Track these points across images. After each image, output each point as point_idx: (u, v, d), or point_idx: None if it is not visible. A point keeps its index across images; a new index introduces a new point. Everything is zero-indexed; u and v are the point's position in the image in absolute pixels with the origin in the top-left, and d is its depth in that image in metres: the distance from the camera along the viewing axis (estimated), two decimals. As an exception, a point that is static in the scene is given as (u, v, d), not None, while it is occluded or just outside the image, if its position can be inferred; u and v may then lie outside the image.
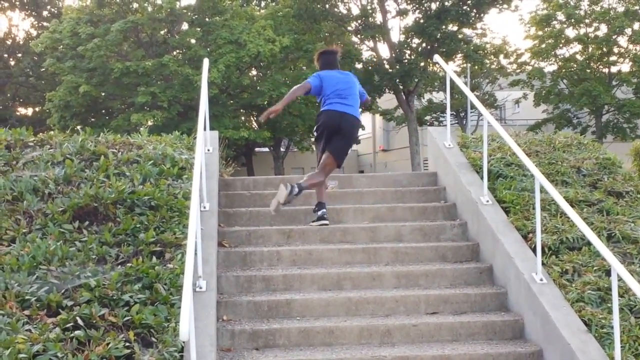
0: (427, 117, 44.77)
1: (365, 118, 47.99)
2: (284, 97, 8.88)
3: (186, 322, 4.92)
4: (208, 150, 9.54)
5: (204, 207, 8.15)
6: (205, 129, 8.87)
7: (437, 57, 10.53)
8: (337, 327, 6.96)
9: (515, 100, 44.67)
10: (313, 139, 9.73)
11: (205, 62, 9.96)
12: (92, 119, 37.53)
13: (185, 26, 37.30)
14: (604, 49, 40.67)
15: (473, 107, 42.51)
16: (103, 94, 36.85)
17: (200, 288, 6.83)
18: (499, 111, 49.17)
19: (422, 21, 34.52)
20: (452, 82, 9.74)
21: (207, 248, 7.43)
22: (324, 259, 8.12)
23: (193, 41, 36.33)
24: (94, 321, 6.04)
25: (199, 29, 36.22)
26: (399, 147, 49.02)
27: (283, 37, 34.31)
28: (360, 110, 9.27)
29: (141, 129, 10.58)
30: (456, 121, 44.88)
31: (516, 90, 43.66)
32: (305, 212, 8.96)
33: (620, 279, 5.95)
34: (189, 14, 36.70)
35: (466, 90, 9.42)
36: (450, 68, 35.17)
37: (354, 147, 49.07)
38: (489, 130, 8.81)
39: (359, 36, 37.59)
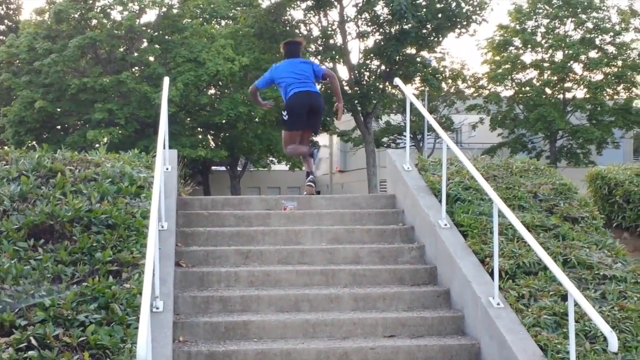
0: (385, 139, 44.98)
1: (323, 139, 48.10)
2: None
3: (144, 344, 4.85)
4: (167, 168, 9.48)
5: (162, 227, 8.08)
6: (164, 147, 8.82)
7: (397, 80, 10.60)
8: (295, 349, 6.92)
9: (471, 124, 45.08)
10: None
11: (166, 81, 9.92)
12: (47, 135, 37.15)
13: (144, 43, 37.14)
14: (560, 75, 41.29)
15: (430, 129, 42.88)
16: (59, 109, 36.52)
17: (157, 308, 6.75)
18: (456, 134, 49.57)
19: (381, 43, 34.71)
20: (410, 104, 9.80)
21: (165, 268, 7.36)
22: (281, 280, 8.09)
23: (152, 59, 36.20)
24: (48, 341, 5.93)
25: (158, 47, 36.10)
26: (356, 169, 49.13)
27: (243, 56, 34.31)
28: (319, 86, 10.79)
29: (98, 146, 10.49)
30: (413, 143, 45.14)
31: (473, 114, 44.08)
32: (263, 232, 8.93)
33: (576, 304, 6.00)
34: (149, 31, 36.59)
35: (426, 113, 9.48)
36: (409, 91, 35.40)
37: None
38: (448, 153, 8.86)
39: (319, 57, 37.68)
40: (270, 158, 42.24)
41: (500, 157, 10.83)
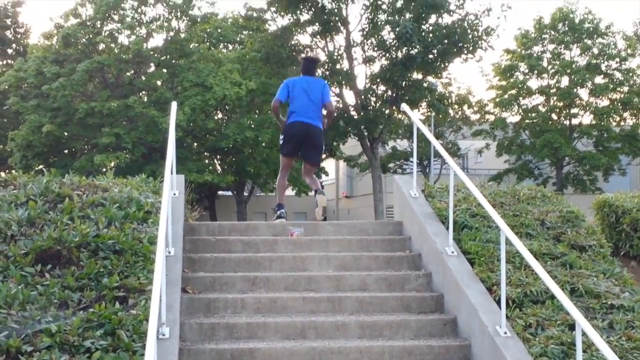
0: (391, 165, 45.02)
1: (329, 164, 48.13)
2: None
3: (150, 372, 4.85)
4: (174, 194, 9.49)
5: (169, 252, 8.08)
6: (172, 172, 8.84)
7: (404, 106, 10.63)
8: (301, 377, 6.90)
9: (477, 149, 45.11)
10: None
11: (174, 105, 9.96)
12: (55, 159, 37.26)
13: (152, 68, 37.32)
14: (566, 101, 41.34)
15: (436, 155, 42.92)
16: (66, 134, 36.65)
17: (164, 335, 6.74)
18: (462, 160, 49.63)
19: (388, 68, 34.81)
20: (417, 130, 9.82)
21: (172, 294, 7.36)
22: (288, 307, 8.07)
23: (159, 83, 36.35)
24: (54, 368, 5.93)
25: (165, 71, 36.26)
26: (363, 194, 49.13)
27: (249, 80, 34.45)
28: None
29: (105, 170, 10.53)
30: (419, 169, 45.18)
31: (479, 139, 44.12)
32: (270, 259, 8.92)
33: (583, 334, 5.97)
34: (156, 55, 36.77)
35: (432, 139, 9.49)
36: (416, 116, 35.44)
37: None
38: (454, 180, 8.87)
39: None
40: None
41: (506, 183, 10.83)
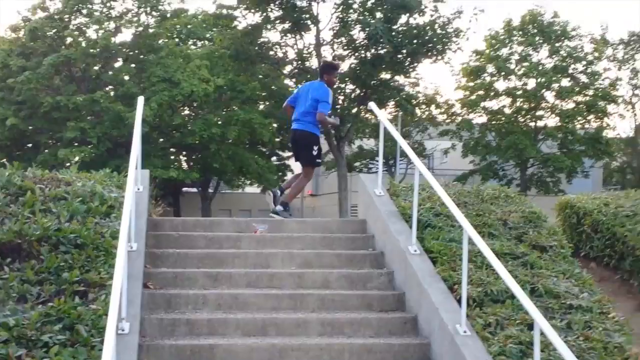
0: (357, 164, 45.09)
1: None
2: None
3: (107, 366, 4.82)
4: (138, 189, 9.44)
5: (131, 247, 8.03)
6: (136, 167, 8.79)
7: (372, 105, 10.65)
8: (261, 373, 6.90)
9: (443, 150, 45.30)
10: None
11: (140, 100, 9.89)
12: (18, 153, 36.87)
13: (119, 62, 37.06)
14: (532, 103, 41.66)
15: (402, 155, 43.01)
16: (31, 127, 36.27)
17: (123, 330, 6.70)
18: (428, 160, 49.79)
19: (357, 68, 34.85)
20: (384, 129, 9.84)
21: (133, 289, 7.31)
22: (250, 304, 8.06)
23: (126, 78, 36.11)
24: (11, 362, 5.86)
25: (133, 66, 36.03)
26: (328, 193, 49.15)
27: (218, 77, 34.33)
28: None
29: (69, 164, 10.43)
30: (385, 169, 45.28)
31: (445, 140, 44.31)
32: (233, 255, 8.90)
33: (542, 334, 6.02)
34: (124, 50, 36.50)
35: (399, 139, 9.52)
36: (383, 115, 35.52)
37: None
38: (419, 179, 8.90)
39: (294, 80, 37.77)
40: (243, 180, 42.10)
41: (471, 183, 10.90)
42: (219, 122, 35.60)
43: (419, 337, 7.83)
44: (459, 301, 7.43)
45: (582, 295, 8.00)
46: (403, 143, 9.36)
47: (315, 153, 10.80)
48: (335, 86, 35.68)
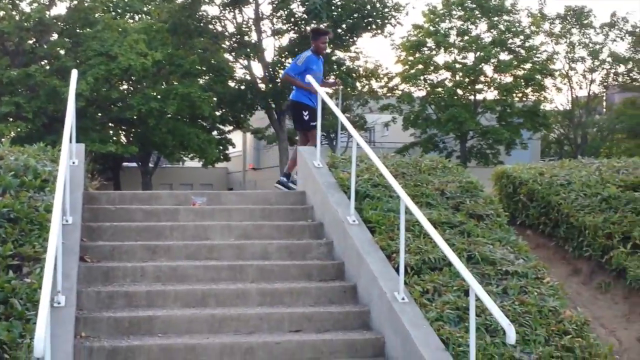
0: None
1: (236, 136, 47.92)
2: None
3: (41, 338, 4.76)
4: (73, 162, 9.30)
5: (67, 221, 7.93)
6: (70, 141, 8.66)
7: (308, 77, 10.59)
8: (200, 344, 6.90)
9: (384, 123, 45.49)
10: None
11: (74, 74, 9.73)
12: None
13: (54, 36, 36.39)
14: (471, 77, 42.03)
15: (343, 128, 42.91)
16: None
17: (59, 303, 6.63)
18: (369, 133, 49.97)
19: (296, 42, 34.77)
20: (323, 102, 9.85)
21: (68, 263, 7.23)
22: (189, 276, 8.03)
23: (62, 52, 35.49)
24: (-56, 337, 5.77)
25: (68, 40, 35.41)
26: (270, 166, 49.12)
27: (156, 51, 33.93)
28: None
29: (4, 140, 10.23)
30: (326, 142, 45.32)
31: (386, 113, 44.51)
32: (172, 227, 8.84)
33: (477, 299, 6.12)
34: (59, 24, 35.83)
35: (337, 111, 9.54)
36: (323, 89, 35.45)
37: (225, 164, 49.06)
38: (358, 151, 8.94)
39: (233, 54, 37.54)
40: (183, 154, 41.77)
41: (412, 156, 11.00)
42: (158, 97, 35.20)
43: (358, 305, 7.90)
44: (397, 269, 7.52)
45: (518, 262, 8.14)
46: (341, 116, 9.40)
47: (306, 118, 11.07)
48: (275, 59, 35.77)
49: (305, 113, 11.02)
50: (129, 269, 7.92)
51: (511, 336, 5.59)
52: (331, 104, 9.58)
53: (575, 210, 9.47)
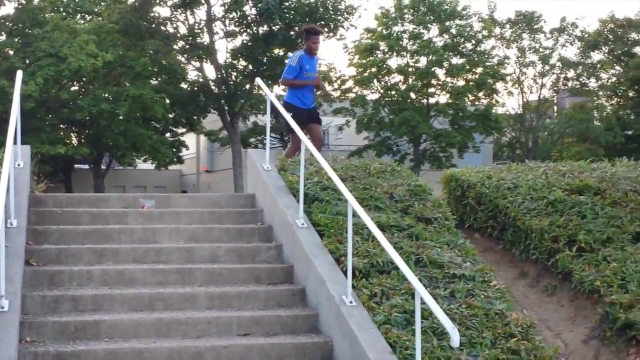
0: (252, 140, 45.01)
1: (190, 138, 47.70)
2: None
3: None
4: (18, 165, 9.18)
5: (11, 224, 7.84)
6: (15, 143, 8.55)
7: (258, 80, 10.65)
8: (147, 348, 6.84)
9: (338, 126, 45.61)
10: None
11: (19, 74, 9.62)
12: None
13: (2, 37, 35.89)
14: (424, 80, 42.31)
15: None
16: None
17: (2, 308, 6.54)
18: (323, 136, 49.99)
19: (249, 44, 34.72)
20: (271, 105, 9.85)
21: (13, 266, 7.13)
22: (136, 279, 7.97)
23: (11, 52, 35.03)
24: None
25: (17, 40, 34.94)
26: (223, 169, 48.95)
27: (106, 52, 33.63)
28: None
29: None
30: (280, 144, 45.31)
31: (339, 116, 44.61)
32: (119, 231, 8.77)
33: (423, 303, 6.15)
34: (7, 24, 35.35)
35: (285, 114, 9.55)
36: (275, 92, 35.52)
37: (178, 166, 48.77)
38: (308, 154, 8.95)
39: (185, 56, 37.37)
40: (135, 156, 41.45)
41: (365, 159, 11.04)
42: (109, 98, 34.89)
43: (307, 308, 7.90)
44: (345, 273, 7.52)
45: (465, 265, 8.19)
46: (288, 118, 9.41)
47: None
48: (227, 62, 35.52)
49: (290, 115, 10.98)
50: (75, 273, 7.84)
51: (455, 339, 5.63)
52: (279, 106, 9.59)
53: (522, 214, 9.57)
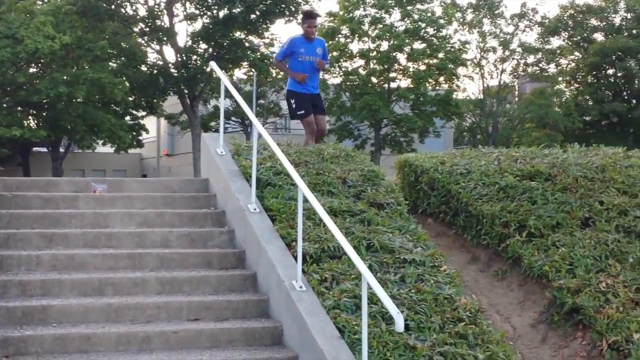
0: (213, 123, 44.85)
1: (150, 122, 47.38)
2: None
3: None
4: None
5: (-42, 209, 7.75)
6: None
7: (212, 64, 10.57)
8: (95, 333, 6.83)
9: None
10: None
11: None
12: None
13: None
14: (385, 65, 42.38)
15: (259, 114, 43.01)
16: None
17: (-53, 293, 6.48)
18: (284, 120, 49.99)
19: (210, 27, 34.50)
20: (225, 89, 9.82)
21: (-41, 251, 7.07)
22: (86, 264, 7.93)
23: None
24: None
25: (-29, 21, 34.45)
26: (184, 152, 48.73)
27: (64, 34, 33.23)
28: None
29: None
30: (241, 128, 45.19)
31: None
32: (70, 215, 8.70)
33: (371, 288, 6.19)
34: (-40, 5, 34.83)
35: (239, 98, 9.52)
36: (238, 76, 35.27)
37: (139, 150, 48.44)
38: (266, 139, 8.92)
39: (145, 38, 37.05)
40: (94, 139, 41.06)
41: (327, 144, 11.05)
42: (68, 80, 34.49)
43: (258, 293, 7.92)
44: (296, 258, 7.54)
45: (416, 250, 8.24)
46: (242, 102, 9.40)
47: (293, 107, 10.97)
48: (188, 45, 35.23)
49: (292, 101, 10.95)
50: (23, 258, 7.78)
51: (400, 324, 5.67)
52: (232, 90, 9.56)
53: (474, 199, 9.63)
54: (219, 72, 10.10)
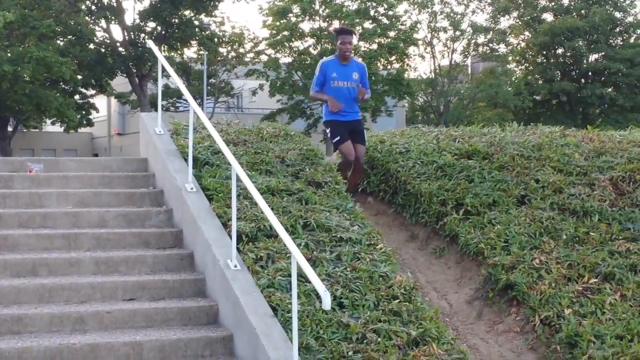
0: (163, 102, 44.52)
1: (100, 101, 46.88)
2: None
3: None
4: None
5: None
6: None
7: (150, 44, 10.50)
8: (27, 314, 6.79)
9: (252, 89, 45.39)
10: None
11: None
12: None
13: None
14: (335, 44, 42.32)
15: (210, 94, 42.81)
16: None
17: None
18: (236, 100, 49.78)
19: (157, 5, 34.17)
20: (163, 69, 9.76)
21: None
22: (20, 245, 7.88)
23: None
24: None
25: None
26: (135, 132, 48.31)
27: (8, 12, 32.66)
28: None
29: None
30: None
31: (252, 79, 44.39)
32: (4, 195, 8.62)
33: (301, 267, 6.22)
34: None
35: (176, 78, 9.49)
36: (187, 54, 34.97)
37: (89, 129, 47.92)
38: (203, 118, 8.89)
39: (91, 16, 36.58)
40: (42, 119, 40.52)
41: (280, 122, 11.03)
42: (13, 59, 33.94)
43: (194, 273, 7.93)
44: (232, 236, 7.55)
45: (353, 229, 8.29)
46: (179, 82, 9.40)
47: (329, 135, 9.85)
48: (135, 23, 34.85)
49: (328, 130, 9.81)
50: (-45, 239, 7.70)
51: (326, 302, 5.71)
52: (169, 68, 9.50)
53: (412, 178, 9.70)
54: (156, 51, 10.04)
